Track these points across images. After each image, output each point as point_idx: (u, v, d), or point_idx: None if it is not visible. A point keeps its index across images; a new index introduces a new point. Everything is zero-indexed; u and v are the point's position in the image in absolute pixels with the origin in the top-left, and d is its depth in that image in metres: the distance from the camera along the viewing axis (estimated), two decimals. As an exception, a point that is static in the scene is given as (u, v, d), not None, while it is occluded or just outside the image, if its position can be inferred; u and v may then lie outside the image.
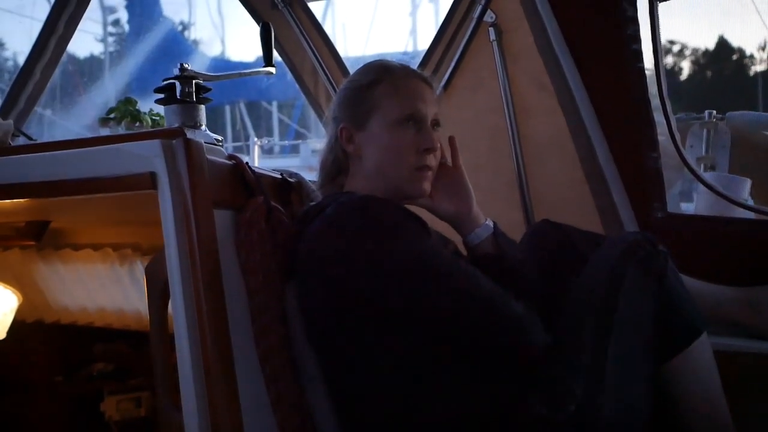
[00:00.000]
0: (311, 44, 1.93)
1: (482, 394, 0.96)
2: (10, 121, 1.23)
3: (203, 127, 1.22)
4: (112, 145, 0.98)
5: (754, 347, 1.28)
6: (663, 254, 1.05)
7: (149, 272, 1.02)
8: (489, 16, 1.71)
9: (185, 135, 0.93)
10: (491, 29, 1.70)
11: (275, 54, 1.44)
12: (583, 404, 0.93)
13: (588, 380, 0.95)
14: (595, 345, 0.98)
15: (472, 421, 0.95)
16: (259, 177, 1.05)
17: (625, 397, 0.97)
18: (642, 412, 0.98)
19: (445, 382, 0.96)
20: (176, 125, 1.20)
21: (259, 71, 1.35)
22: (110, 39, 9.51)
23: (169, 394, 0.97)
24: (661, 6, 1.47)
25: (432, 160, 1.09)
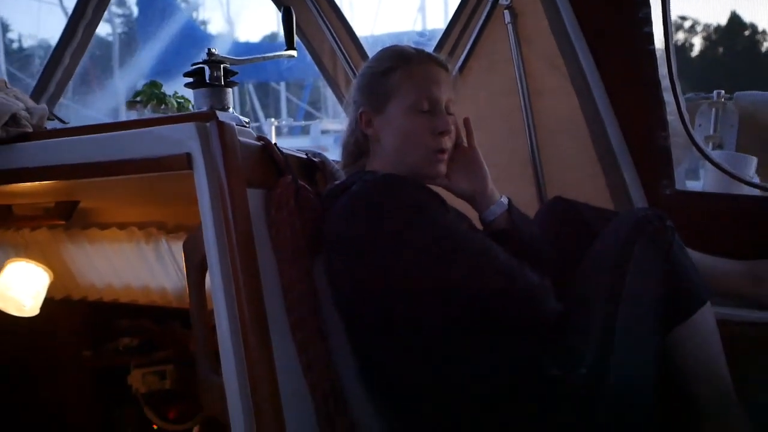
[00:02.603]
0: (330, 27, 1.96)
1: (500, 358, 1.02)
2: (45, 106, 1.27)
3: (231, 110, 1.26)
4: (148, 128, 1.03)
5: (757, 317, 1.32)
6: (670, 229, 1.10)
7: (187, 247, 1.07)
8: (504, -1, 1.74)
9: (218, 118, 0.97)
10: (506, 12, 1.73)
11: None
12: (593, 368, 0.99)
13: (598, 346, 1.00)
14: (605, 314, 1.03)
15: (491, 383, 1.01)
16: (286, 157, 1.10)
17: (633, 362, 1.02)
18: (648, 377, 1.04)
19: (465, 348, 1.02)
20: (205, 108, 1.24)
21: (281, 54, 1.39)
22: (117, 20, 9.44)
23: (208, 360, 1.03)
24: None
25: (447, 142, 1.13)
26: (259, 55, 1.36)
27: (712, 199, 1.60)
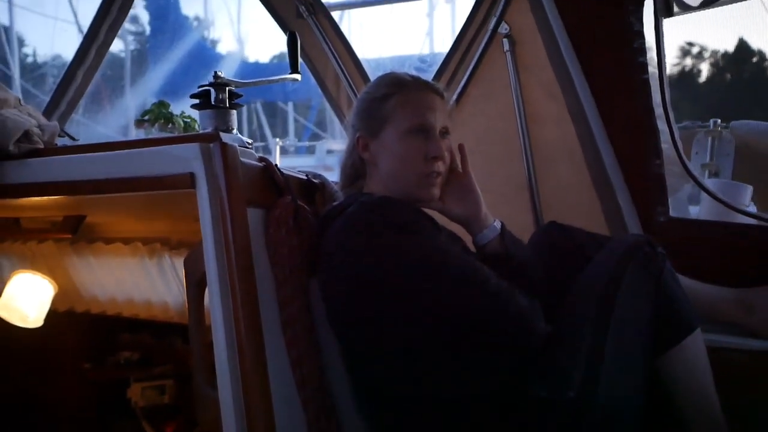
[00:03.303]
0: (334, 51, 2.02)
1: (489, 378, 1.04)
2: (56, 123, 1.31)
3: (235, 131, 1.30)
4: (154, 147, 1.06)
5: (747, 345, 1.33)
6: (661, 255, 1.12)
7: (188, 264, 1.10)
8: (503, 28, 1.78)
9: (221, 139, 1.01)
10: (505, 40, 1.78)
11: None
12: (581, 391, 1.00)
13: (586, 369, 1.02)
14: (594, 337, 1.05)
15: (479, 402, 1.03)
16: (287, 178, 1.13)
17: (621, 386, 1.03)
18: (637, 401, 1.05)
19: (454, 366, 1.04)
20: (210, 129, 1.28)
21: (285, 78, 1.43)
22: (129, 37, 9.58)
23: (204, 374, 1.05)
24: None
25: (440, 167, 1.16)
26: (263, 79, 1.41)
27: (706, 227, 1.61)
